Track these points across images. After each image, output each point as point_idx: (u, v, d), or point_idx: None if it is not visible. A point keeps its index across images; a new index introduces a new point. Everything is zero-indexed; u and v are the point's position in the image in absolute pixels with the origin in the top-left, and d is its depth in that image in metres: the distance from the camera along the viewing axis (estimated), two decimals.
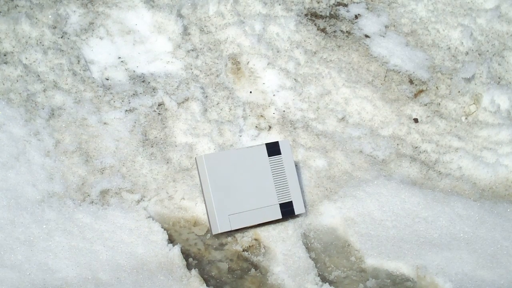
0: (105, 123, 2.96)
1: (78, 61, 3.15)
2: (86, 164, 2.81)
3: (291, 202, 2.81)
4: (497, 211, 2.97)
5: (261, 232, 2.74)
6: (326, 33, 3.67)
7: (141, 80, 3.21)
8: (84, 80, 3.11)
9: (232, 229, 2.70)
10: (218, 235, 2.74)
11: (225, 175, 2.73)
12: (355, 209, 2.88)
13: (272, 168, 2.83)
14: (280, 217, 2.78)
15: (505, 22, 3.79)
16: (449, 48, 3.70)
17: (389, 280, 2.63)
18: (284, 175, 2.84)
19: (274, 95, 3.33)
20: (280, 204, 2.79)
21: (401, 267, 2.66)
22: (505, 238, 2.81)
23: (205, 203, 2.74)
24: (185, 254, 2.62)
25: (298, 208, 2.82)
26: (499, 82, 3.56)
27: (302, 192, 2.93)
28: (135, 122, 3.00)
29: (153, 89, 3.17)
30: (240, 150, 2.81)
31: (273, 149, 2.86)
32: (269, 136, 3.15)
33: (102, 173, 2.80)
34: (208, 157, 2.73)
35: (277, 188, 2.81)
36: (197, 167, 2.76)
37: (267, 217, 2.76)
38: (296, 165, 2.95)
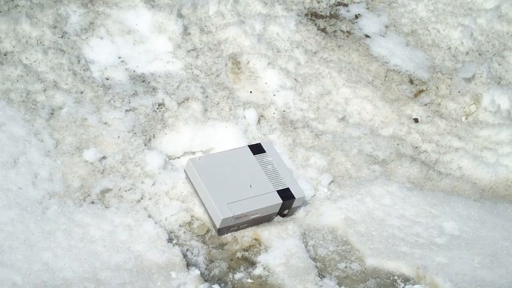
0: (105, 123, 2.96)
1: (78, 61, 3.15)
2: (86, 164, 2.81)
3: (288, 188, 2.80)
4: (497, 211, 2.97)
5: (261, 232, 2.74)
6: (326, 33, 3.67)
7: (141, 80, 3.21)
8: (84, 80, 3.11)
9: (234, 215, 2.64)
10: (220, 234, 2.74)
11: (216, 174, 2.74)
12: (355, 209, 2.88)
13: (261, 164, 2.83)
14: (281, 201, 2.74)
15: (505, 22, 3.79)
16: (449, 48, 3.70)
17: (389, 280, 2.63)
18: (275, 169, 2.83)
19: (274, 95, 3.33)
20: (277, 190, 2.78)
21: (401, 267, 2.66)
22: (505, 238, 2.81)
23: (203, 204, 2.74)
24: (185, 254, 2.62)
25: (296, 193, 2.80)
26: (499, 82, 3.56)
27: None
28: (135, 122, 3.00)
29: (153, 89, 3.17)
30: (225, 152, 2.81)
31: (257, 148, 2.87)
32: (269, 136, 3.15)
33: (102, 173, 2.80)
34: (194, 160, 2.75)
35: (270, 179, 2.80)
36: (187, 175, 2.78)
37: (267, 202, 2.73)
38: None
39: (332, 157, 3.11)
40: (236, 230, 2.75)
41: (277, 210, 2.78)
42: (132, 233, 2.60)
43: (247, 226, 2.77)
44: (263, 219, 2.78)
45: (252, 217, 2.71)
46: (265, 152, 2.89)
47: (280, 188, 2.78)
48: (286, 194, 2.77)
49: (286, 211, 2.82)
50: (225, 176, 2.76)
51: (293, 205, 2.81)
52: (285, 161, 3.03)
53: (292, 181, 2.83)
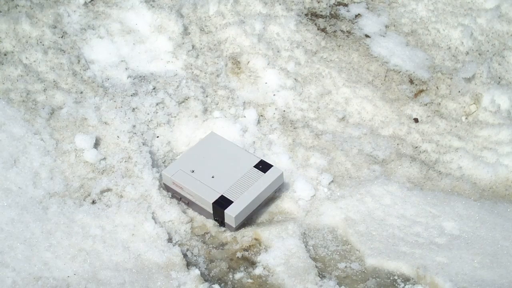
0: (105, 123, 2.96)
1: (78, 60, 3.15)
2: (86, 164, 2.81)
3: (228, 199, 2.73)
4: (497, 211, 2.97)
5: (261, 232, 2.74)
6: (326, 32, 3.67)
7: (141, 80, 3.21)
8: (84, 80, 3.11)
9: (173, 178, 2.77)
10: (218, 235, 2.74)
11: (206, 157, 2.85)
12: (355, 209, 2.88)
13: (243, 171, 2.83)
14: (212, 201, 2.71)
15: (505, 22, 3.79)
16: (449, 48, 3.70)
17: (389, 280, 2.63)
18: (250, 184, 2.78)
19: (274, 95, 3.33)
20: (221, 193, 2.73)
21: (401, 267, 2.66)
22: (505, 238, 2.81)
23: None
24: (185, 254, 2.62)
25: (230, 209, 2.70)
26: (499, 82, 3.56)
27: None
28: (135, 122, 3.00)
29: (153, 89, 3.17)
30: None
31: (261, 166, 2.84)
32: (269, 136, 3.15)
33: (102, 173, 2.80)
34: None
35: (231, 183, 2.78)
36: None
37: (203, 194, 2.72)
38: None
39: (332, 157, 3.11)
40: (178, 200, 2.82)
41: (210, 209, 2.74)
42: (132, 233, 2.60)
43: (189, 206, 2.81)
44: (202, 211, 2.78)
45: (187, 195, 2.77)
46: (264, 172, 2.83)
47: (223, 193, 2.74)
48: (221, 201, 2.72)
49: (217, 219, 2.77)
50: (207, 160, 2.85)
51: (226, 220, 2.74)
52: (285, 161, 3.04)
53: (241, 199, 2.73)
